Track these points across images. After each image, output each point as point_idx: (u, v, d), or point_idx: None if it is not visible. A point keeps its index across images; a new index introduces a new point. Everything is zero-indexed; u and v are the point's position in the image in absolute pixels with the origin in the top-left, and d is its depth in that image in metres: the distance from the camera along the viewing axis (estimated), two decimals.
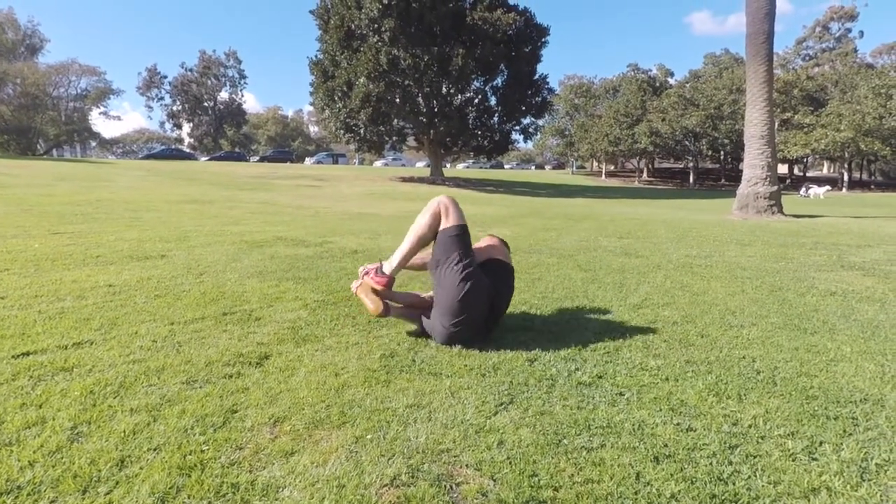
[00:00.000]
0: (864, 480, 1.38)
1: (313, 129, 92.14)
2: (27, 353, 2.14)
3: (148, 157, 48.12)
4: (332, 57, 26.65)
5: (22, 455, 1.40)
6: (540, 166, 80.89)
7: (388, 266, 2.46)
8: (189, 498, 1.24)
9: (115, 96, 65.15)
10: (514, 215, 11.49)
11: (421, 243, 2.45)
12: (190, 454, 1.42)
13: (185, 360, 2.12)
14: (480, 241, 2.74)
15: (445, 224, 2.41)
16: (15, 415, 1.62)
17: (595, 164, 63.04)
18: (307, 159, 59.87)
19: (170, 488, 1.27)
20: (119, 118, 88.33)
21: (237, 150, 65.13)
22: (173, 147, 58.80)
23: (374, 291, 2.43)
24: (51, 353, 2.14)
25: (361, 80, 24.92)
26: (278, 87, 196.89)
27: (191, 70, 69.09)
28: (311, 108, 51.85)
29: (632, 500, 1.27)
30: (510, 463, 1.42)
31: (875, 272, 4.58)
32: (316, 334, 2.52)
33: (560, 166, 74.31)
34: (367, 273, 2.49)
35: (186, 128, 71.30)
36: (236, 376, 1.97)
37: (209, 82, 69.72)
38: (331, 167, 43.71)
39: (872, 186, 47.06)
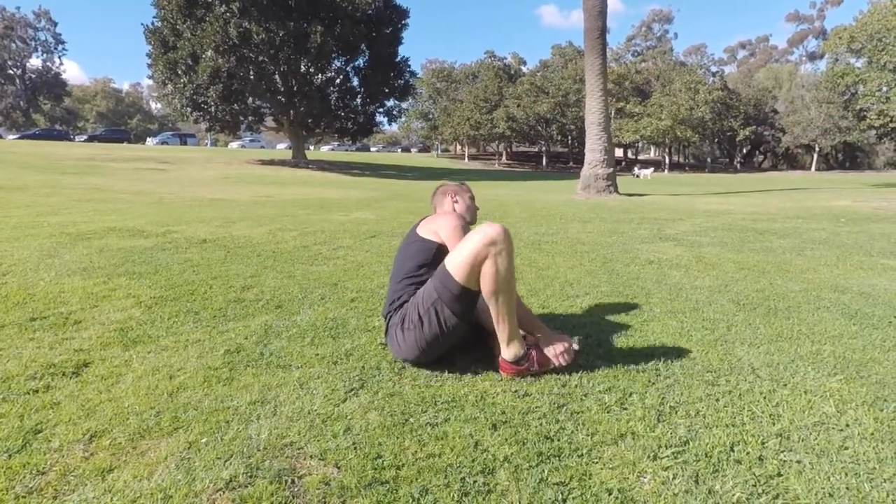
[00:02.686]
0: (659, 422, 1.62)
1: (155, 106, 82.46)
2: None
3: None
4: (173, 25, 23.93)
5: None
6: (406, 149, 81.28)
7: (510, 352, 1.89)
8: None
9: None
10: (379, 198, 11.45)
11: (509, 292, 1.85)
12: None
13: None
14: None
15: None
16: None
17: (458, 147, 65.07)
18: (149, 139, 53.57)
19: None
20: None
21: (58, 127, 55.88)
22: None
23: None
24: None
25: (209, 54, 22.78)
26: (109, 56, 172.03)
27: None
28: (150, 82, 46.21)
29: (469, 468, 1.36)
30: (355, 448, 1.43)
31: (684, 242, 5.37)
32: (150, 334, 2.29)
33: (425, 149, 75.39)
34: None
35: None
36: (44, 391, 1.72)
37: (14, 46, 58.54)
38: (178, 148, 39.60)
39: (686, 168, 55.13)
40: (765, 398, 1.79)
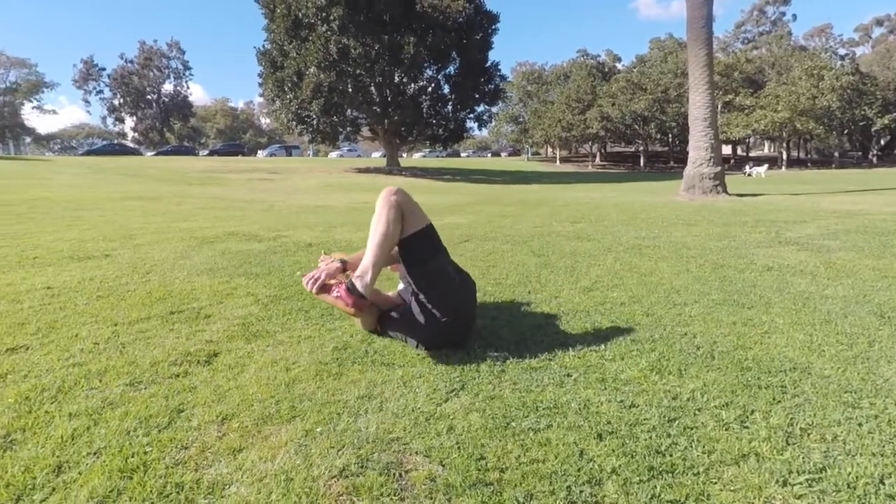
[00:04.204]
0: (789, 444, 1.47)
1: (264, 121, 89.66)
2: None
3: (89, 153, 45.43)
4: (280, 47, 25.96)
5: None
6: (496, 153, 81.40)
7: (362, 283, 2.05)
8: (131, 500, 1.21)
9: (48, 89, 61.90)
10: (470, 203, 11.56)
11: (390, 247, 2.14)
12: (132, 456, 1.38)
13: (129, 361, 2.05)
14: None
15: (417, 225, 2.17)
16: None
17: (549, 149, 63.99)
18: (259, 152, 58.34)
19: (110, 492, 1.24)
20: (55, 112, 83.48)
21: (185, 144, 62.67)
22: (116, 142, 55.87)
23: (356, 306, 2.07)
24: None
25: (311, 70, 24.43)
26: (226, 79, 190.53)
27: (131, 62, 65.84)
28: (261, 100, 50.37)
29: (574, 477, 1.32)
30: (459, 448, 1.45)
31: (809, 246, 4.85)
32: (267, 330, 2.48)
33: (516, 153, 75.02)
34: (331, 288, 2.08)
35: (130, 122, 68.10)
36: (183, 375, 1.93)
37: (151, 74, 66.68)
38: (284, 159, 42.74)
39: (808, 164, 49.76)
40: None
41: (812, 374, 1.95)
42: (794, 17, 64.62)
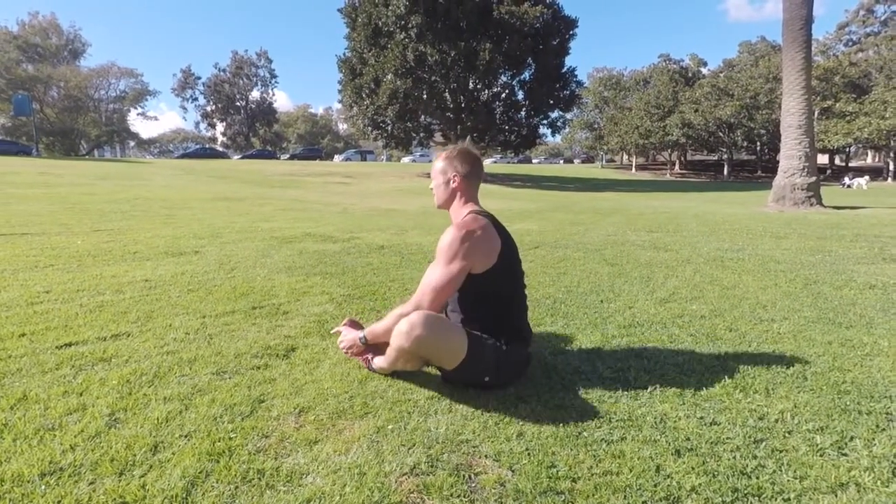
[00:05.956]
0: None
1: (342, 127, 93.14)
2: (69, 344, 2.25)
3: (183, 156, 49.32)
4: (360, 54, 26.90)
5: (64, 439, 1.48)
6: (568, 160, 79.83)
7: (383, 372, 1.96)
8: (217, 482, 1.30)
9: (151, 97, 67.85)
10: (541, 210, 11.41)
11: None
12: (219, 441, 1.48)
13: (216, 351, 2.20)
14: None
15: (451, 360, 1.79)
16: (58, 401, 1.71)
17: (625, 157, 61.94)
18: (336, 156, 60.66)
19: (199, 473, 1.33)
20: (156, 118, 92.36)
21: (268, 148, 66.43)
22: (207, 146, 60.27)
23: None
24: (91, 344, 2.25)
25: (389, 77, 25.12)
26: (308, 86, 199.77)
27: (223, 70, 70.69)
28: (339, 106, 52.51)
29: (650, 493, 1.27)
30: (529, 454, 1.43)
31: None
32: None
33: (589, 160, 73.23)
34: (362, 359, 2.04)
35: (220, 127, 73.03)
36: (264, 367, 2.04)
37: (241, 82, 71.22)
38: (359, 164, 44.14)
39: None
40: None
41: None
42: None
